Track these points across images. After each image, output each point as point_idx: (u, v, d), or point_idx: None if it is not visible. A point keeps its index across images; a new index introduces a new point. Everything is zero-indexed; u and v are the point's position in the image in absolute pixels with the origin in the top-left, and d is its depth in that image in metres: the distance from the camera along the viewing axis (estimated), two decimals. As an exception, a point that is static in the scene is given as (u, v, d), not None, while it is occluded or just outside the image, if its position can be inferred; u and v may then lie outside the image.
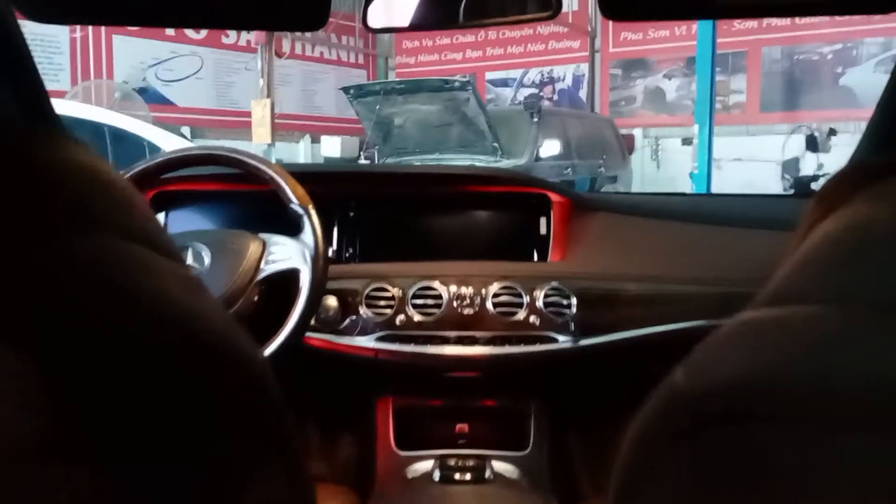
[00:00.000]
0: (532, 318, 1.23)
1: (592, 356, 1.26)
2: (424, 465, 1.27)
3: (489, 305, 1.23)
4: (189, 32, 9.37)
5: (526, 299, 1.23)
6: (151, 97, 8.79)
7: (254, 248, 1.12)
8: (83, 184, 0.32)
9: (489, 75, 11.11)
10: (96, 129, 3.88)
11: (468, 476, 1.18)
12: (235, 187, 1.42)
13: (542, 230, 1.40)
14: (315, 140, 10.27)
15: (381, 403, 1.36)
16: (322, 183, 1.38)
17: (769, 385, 0.24)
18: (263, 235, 1.14)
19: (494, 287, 1.24)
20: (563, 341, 1.23)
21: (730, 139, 8.80)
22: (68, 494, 0.24)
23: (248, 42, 9.38)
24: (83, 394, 0.25)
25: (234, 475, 0.32)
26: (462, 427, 1.35)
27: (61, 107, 3.96)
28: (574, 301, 1.24)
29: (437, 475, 1.19)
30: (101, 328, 0.27)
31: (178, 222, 1.43)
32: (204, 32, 9.49)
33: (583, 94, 10.36)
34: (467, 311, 1.23)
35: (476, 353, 1.23)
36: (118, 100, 7.39)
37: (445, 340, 1.23)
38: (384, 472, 1.29)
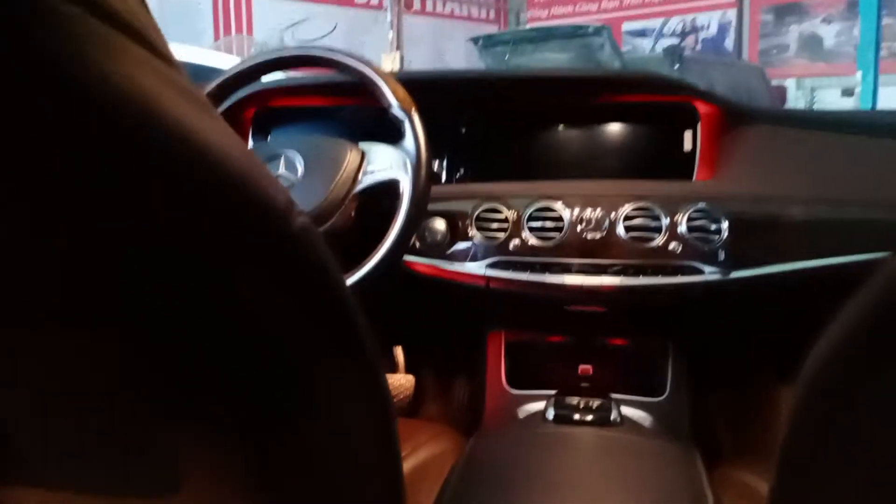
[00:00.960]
0: (672, 245, 1.04)
1: (745, 292, 1.06)
2: (538, 405, 1.11)
3: (620, 230, 1.05)
4: (323, -8, 9.50)
5: (665, 222, 1.04)
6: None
7: (352, 157, 1.00)
8: None
9: (626, 26, 10.55)
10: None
11: (589, 417, 1.02)
12: (339, 101, 1.31)
13: (687, 146, 1.19)
14: (444, 98, 10.16)
15: (493, 338, 1.21)
16: (430, 91, 1.24)
17: None
18: (363, 145, 1.02)
19: (627, 208, 1.06)
20: (710, 273, 1.03)
21: (896, 89, 7.89)
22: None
23: (380, 1, 9.39)
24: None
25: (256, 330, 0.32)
26: (585, 369, 1.18)
27: (200, 56, 4.05)
28: (725, 225, 1.03)
29: (550, 413, 1.03)
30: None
31: (280, 141, 1.34)
32: (337, -10, 9.60)
33: (729, 44, 9.67)
34: (593, 235, 1.06)
35: (603, 284, 1.05)
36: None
37: (566, 268, 1.06)
38: (492, 410, 1.15)
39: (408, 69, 8.49)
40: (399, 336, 1.47)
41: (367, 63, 1.02)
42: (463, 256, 1.10)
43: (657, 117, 1.22)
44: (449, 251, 1.10)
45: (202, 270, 0.34)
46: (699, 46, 10.13)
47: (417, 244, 1.10)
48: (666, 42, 10.16)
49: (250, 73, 1.07)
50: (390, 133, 1.00)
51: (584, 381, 1.18)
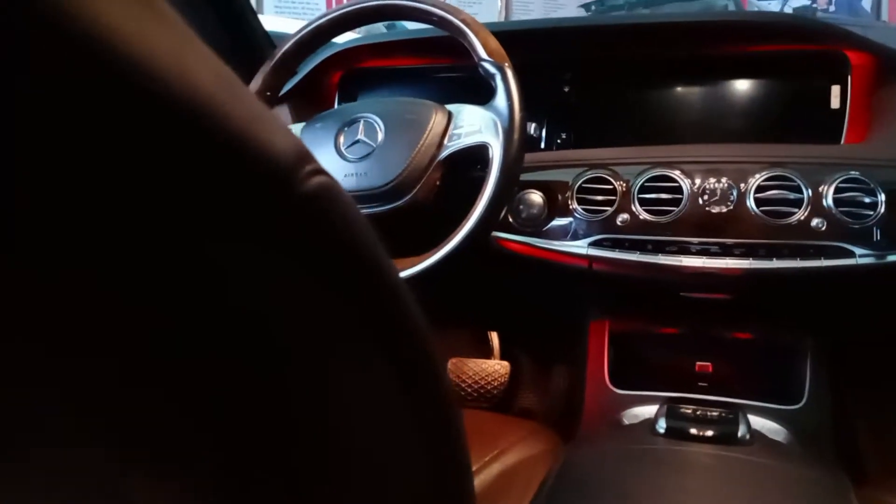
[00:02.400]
0: (815, 222, 0.87)
1: None
2: (646, 410, 0.97)
3: (750, 203, 0.89)
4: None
5: (807, 193, 0.87)
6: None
7: (438, 119, 0.89)
8: None
9: (751, -12, 9.90)
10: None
11: (710, 432, 0.86)
12: (430, 61, 1.20)
13: (835, 103, 1.00)
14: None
15: (595, 327, 1.07)
16: (527, 46, 1.10)
17: None
18: (450, 106, 0.91)
19: (760, 177, 0.89)
20: (863, 255, 0.85)
21: None
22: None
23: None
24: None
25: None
26: (703, 366, 1.03)
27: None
28: (882, 198, 0.85)
29: (661, 425, 0.89)
30: None
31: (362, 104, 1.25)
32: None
33: (866, 3, 8.88)
34: (717, 209, 0.90)
35: (728, 267, 0.89)
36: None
37: (684, 248, 0.91)
38: (592, 411, 1.01)
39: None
40: (494, 320, 1.36)
41: (456, 11, 0.91)
42: (563, 233, 0.97)
43: (797, 69, 1.04)
44: (546, 227, 0.98)
45: (176, 253, 0.25)
46: (832, 7, 9.35)
47: (511, 219, 0.98)
48: (796, 3, 9.44)
49: (330, 27, 0.98)
50: (484, 90, 0.89)
51: (702, 381, 1.02)
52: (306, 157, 0.29)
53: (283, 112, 1.11)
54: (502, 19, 7.53)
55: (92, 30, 0.21)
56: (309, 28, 0.98)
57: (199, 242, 0.25)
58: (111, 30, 0.21)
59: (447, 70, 1.18)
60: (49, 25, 0.20)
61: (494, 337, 1.37)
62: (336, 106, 1.25)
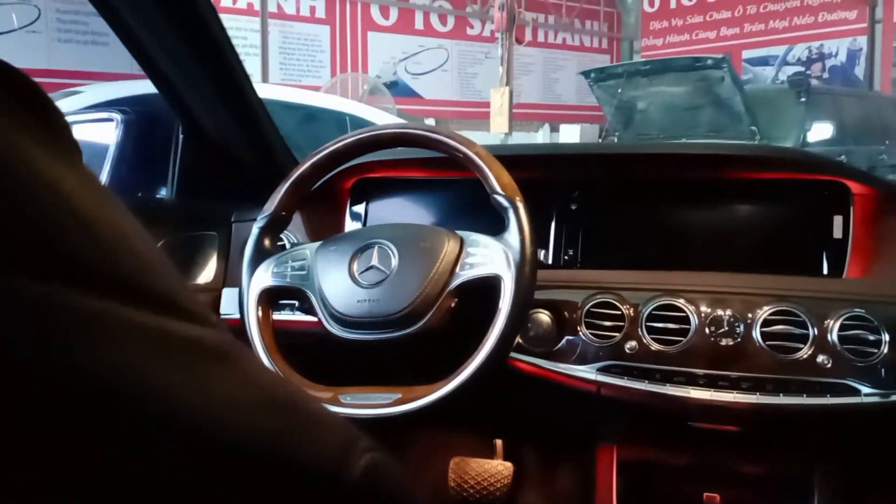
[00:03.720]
0: (821, 358, 0.88)
1: None
2: None
3: (757, 336, 0.90)
4: (435, 24, 9.64)
5: (813, 331, 0.89)
6: (402, 90, 9.19)
7: (450, 247, 0.91)
8: None
9: (746, 54, 10.11)
10: (339, 118, 4.00)
11: None
12: (442, 174, 1.22)
13: (837, 233, 1.03)
14: (554, 129, 10.07)
15: (603, 452, 1.07)
16: (537, 167, 1.13)
17: None
18: (462, 233, 0.93)
19: (766, 310, 0.91)
20: (868, 394, 0.86)
21: None
22: None
23: (492, 32, 9.42)
24: None
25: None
26: (712, 497, 1.03)
27: (306, 97, 4.14)
28: (886, 337, 0.87)
29: None
30: None
31: (379, 213, 1.27)
32: (450, 24, 9.72)
33: (860, 71, 9.08)
34: (725, 341, 0.91)
35: (736, 401, 0.90)
36: (366, 92, 7.75)
37: (692, 380, 0.92)
38: None
39: (519, 102, 8.43)
40: (500, 428, 1.36)
41: (469, 144, 0.94)
42: (571, 355, 0.98)
43: (801, 198, 1.07)
44: (555, 348, 0.99)
45: None
46: (826, 75, 9.56)
47: (520, 339, 0.99)
48: (790, 70, 9.65)
49: (346, 153, 1.01)
50: (493, 211, 0.91)
51: None
52: (354, 436, 0.30)
53: (295, 222, 1.13)
54: (504, 81, 7.70)
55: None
56: (325, 152, 1.00)
57: None
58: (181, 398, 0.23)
59: (456, 183, 1.21)
60: None
61: (499, 441, 1.37)
62: (348, 212, 1.27)
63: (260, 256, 0.99)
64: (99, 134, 2.22)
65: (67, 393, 0.21)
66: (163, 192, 1.58)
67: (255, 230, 1.00)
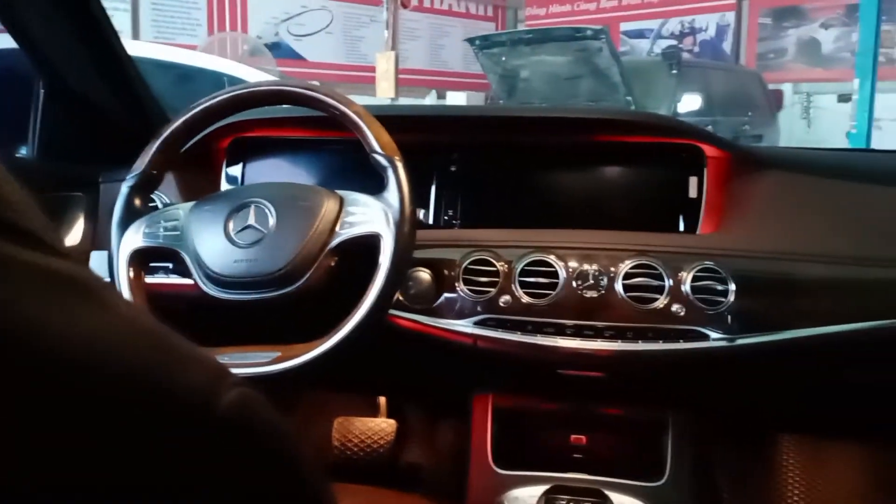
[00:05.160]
0: (675, 307, 0.95)
1: (754, 359, 0.97)
2: (527, 494, 1.03)
3: (619, 288, 0.97)
4: (319, -15, 9.39)
5: (668, 282, 0.96)
6: (284, 52, 8.91)
7: (329, 206, 0.91)
8: None
9: (624, 26, 10.47)
10: (216, 79, 3.85)
11: None
12: (321, 134, 1.22)
13: (692, 192, 1.10)
14: (441, 96, 10.10)
15: (479, 401, 1.12)
16: (417, 129, 1.15)
17: None
18: (341, 193, 0.93)
19: (627, 265, 0.97)
20: (716, 339, 0.95)
21: (892, 96, 7.81)
22: None
23: (378, -4, 9.31)
24: None
25: None
26: (578, 439, 1.10)
27: (181, 55, 3.95)
28: (732, 287, 0.95)
29: None
30: None
31: (256, 173, 1.25)
32: (334, -14, 9.50)
33: (727, 46, 9.62)
34: (590, 294, 0.97)
35: (600, 349, 0.96)
36: (246, 53, 7.47)
37: (561, 330, 0.98)
38: (477, 494, 1.06)
39: (405, 67, 8.38)
40: (382, 384, 1.39)
41: (348, 102, 0.94)
42: (449, 310, 1.01)
43: (661, 161, 1.14)
44: (434, 305, 1.02)
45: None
46: (697, 48, 10.05)
47: (401, 297, 1.02)
48: (664, 44, 10.08)
49: (220, 110, 0.98)
50: (373, 171, 0.92)
51: (577, 453, 1.09)
52: (221, 373, 0.31)
53: (167, 183, 1.09)
54: (389, 45, 7.64)
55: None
56: (198, 109, 0.98)
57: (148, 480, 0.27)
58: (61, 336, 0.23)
59: (336, 143, 1.20)
60: None
61: (382, 399, 1.40)
62: (224, 173, 1.24)
63: (130, 217, 0.96)
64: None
65: None
66: (23, 152, 1.48)
67: (124, 189, 0.97)
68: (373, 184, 0.92)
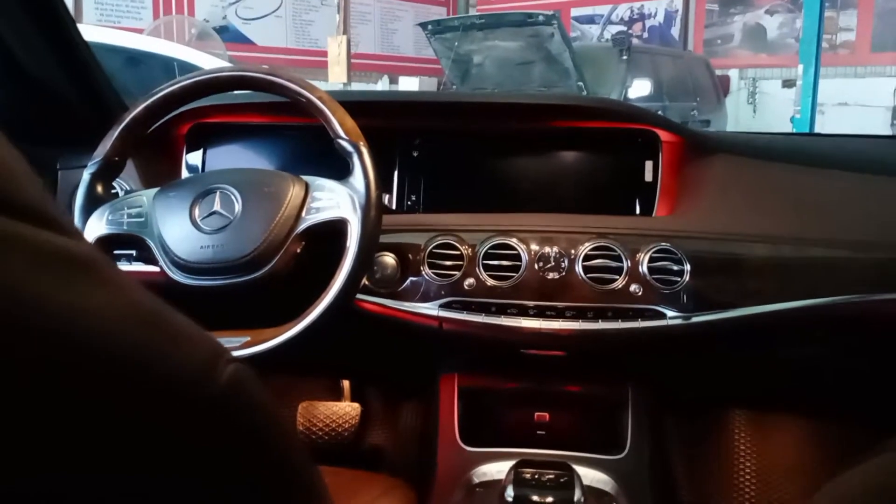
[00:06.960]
0: (633, 288, 0.99)
1: (708, 336, 1.02)
2: (495, 469, 1.06)
3: (579, 269, 1.00)
4: (268, -33, 9.23)
5: (626, 263, 0.99)
6: (232, 36, 8.74)
7: (295, 192, 0.92)
8: None
9: (575, 11, 10.56)
10: (166, 63, 3.77)
11: (550, 498, 0.96)
12: (282, 119, 1.22)
13: (648, 176, 1.14)
14: (393, 81, 10.05)
15: (445, 381, 1.15)
16: (379, 114, 1.16)
17: None
18: (307, 178, 0.94)
19: (586, 247, 1.00)
20: (672, 317, 0.99)
21: (835, 81, 8.07)
22: None
23: (329, -22, 9.19)
24: None
25: None
26: (542, 416, 1.13)
27: (128, 39, 3.85)
28: (687, 267, 0.99)
29: (510, 493, 0.97)
30: None
31: (217, 160, 1.24)
32: (282, -32, 9.34)
33: (675, 31, 9.78)
34: (551, 275, 1.00)
35: (561, 328, 1.00)
36: (194, 37, 7.31)
37: (523, 311, 1.01)
38: (446, 469, 1.09)
39: (357, 52, 8.31)
40: (346, 368, 1.40)
41: (312, 88, 0.94)
42: (415, 294, 1.03)
43: (618, 146, 1.17)
44: (400, 288, 1.03)
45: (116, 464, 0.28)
46: (646, 34, 10.21)
47: (367, 281, 1.03)
48: (614, 29, 10.20)
49: (182, 96, 0.98)
50: (336, 157, 0.93)
51: (540, 430, 1.12)
52: (218, 351, 0.32)
53: (127, 170, 1.08)
54: (341, 29, 7.56)
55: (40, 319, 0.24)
56: (160, 94, 0.97)
57: (150, 454, 0.29)
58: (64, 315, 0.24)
59: (298, 129, 1.21)
60: None
61: (346, 382, 1.41)
62: (184, 159, 1.24)
63: (92, 204, 0.95)
64: None
65: None
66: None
67: (86, 176, 0.95)
68: (333, 169, 0.93)
